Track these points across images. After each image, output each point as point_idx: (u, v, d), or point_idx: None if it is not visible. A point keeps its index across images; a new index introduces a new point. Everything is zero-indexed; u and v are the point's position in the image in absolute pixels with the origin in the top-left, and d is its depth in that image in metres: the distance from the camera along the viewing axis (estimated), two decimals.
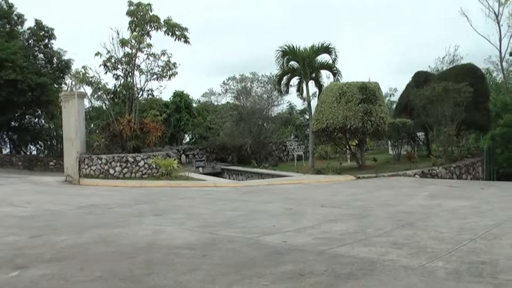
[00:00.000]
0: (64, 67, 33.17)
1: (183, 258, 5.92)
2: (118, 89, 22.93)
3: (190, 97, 36.11)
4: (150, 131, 22.00)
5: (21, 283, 4.91)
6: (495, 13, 34.49)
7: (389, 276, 4.95)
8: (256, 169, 25.94)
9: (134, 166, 20.27)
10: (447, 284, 4.63)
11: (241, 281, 4.88)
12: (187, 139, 38.81)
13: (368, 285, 4.64)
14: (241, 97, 33.23)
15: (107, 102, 23.67)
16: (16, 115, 32.49)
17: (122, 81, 22.54)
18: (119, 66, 22.38)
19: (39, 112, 33.38)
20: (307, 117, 30.72)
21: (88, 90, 22.34)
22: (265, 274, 5.11)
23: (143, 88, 22.89)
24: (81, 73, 21.06)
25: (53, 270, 5.37)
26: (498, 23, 34.13)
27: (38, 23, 32.96)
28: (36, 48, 33.23)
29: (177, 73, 22.90)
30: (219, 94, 37.80)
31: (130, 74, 22.40)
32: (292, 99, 51.29)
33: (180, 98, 34.58)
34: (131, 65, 22.25)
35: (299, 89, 25.70)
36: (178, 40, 22.59)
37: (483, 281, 4.68)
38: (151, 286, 4.73)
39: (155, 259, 5.91)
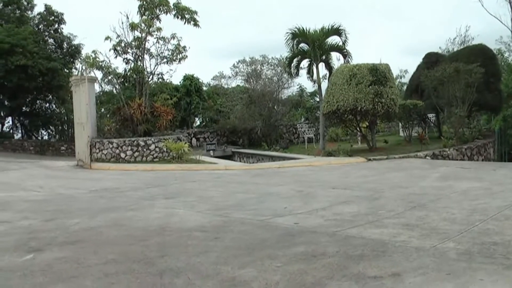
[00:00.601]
0: (74, 52, 33.19)
1: (195, 241, 5.96)
2: (128, 73, 22.90)
3: (200, 80, 36.06)
4: (161, 115, 22.02)
5: (35, 266, 4.96)
6: None
7: (401, 257, 4.96)
8: (267, 152, 25.97)
9: (145, 150, 20.32)
10: (459, 265, 4.63)
11: (253, 262, 4.91)
12: (198, 123, 38.79)
13: (379, 266, 4.65)
14: (251, 80, 33.09)
15: (117, 86, 23.66)
16: (27, 100, 32.58)
17: (132, 65, 22.50)
18: (129, 50, 22.34)
19: (50, 97, 33.48)
20: (318, 99, 30.57)
21: (98, 74, 22.29)
22: (277, 255, 5.14)
23: (153, 72, 22.85)
24: (91, 57, 21.05)
25: (67, 253, 5.43)
26: (510, 2, 33.56)
27: (47, 8, 32.92)
28: (46, 33, 33.22)
29: (187, 56, 22.85)
30: (229, 77, 37.57)
31: (140, 58, 22.36)
32: (303, 81, 50.96)
33: (190, 81, 34.52)
34: (141, 49, 22.21)
35: (309, 72, 25.61)
36: (187, 23, 22.50)
37: (495, 262, 4.68)
38: (164, 268, 4.77)
39: (167, 241, 5.96)
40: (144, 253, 5.39)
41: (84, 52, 31.67)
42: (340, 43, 24.23)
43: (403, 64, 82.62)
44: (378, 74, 19.97)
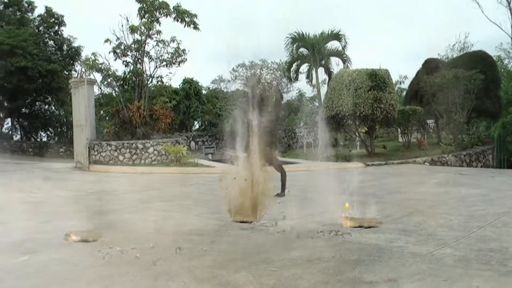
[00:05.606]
0: (74, 54, 33.14)
1: (191, 244, 5.93)
2: (128, 76, 22.92)
3: (199, 84, 36.03)
4: (160, 118, 22.03)
5: (30, 267, 4.95)
6: None
7: (397, 262, 4.94)
8: None
9: (143, 152, 20.31)
10: (455, 271, 4.61)
11: (248, 267, 4.89)
12: (197, 126, 38.75)
13: (375, 272, 4.63)
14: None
15: (116, 89, 23.68)
16: (27, 101, 32.48)
17: (131, 68, 22.53)
18: (128, 53, 22.35)
19: (50, 99, 33.39)
20: (317, 104, 30.64)
21: (97, 77, 22.34)
22: (272, 260, 5.12)
23: (152, 75, 22.87)
24: (90, 59, 21.07)
25: (62, 255, 5.41)
26: (510, 9, 33.67)
27: (48, 10, 32.88)
28: (46, 35, 33.19)
29: (186, 59, 22.87)
30: (229, 81, 37.67)
31: (139, 60, 22.37)
32: (302, 86, 51.04)
33: (190, 85, 34.45)
34: (140, 51, 22.22)
35: (309, 76, 25.72)
36: (187, 26, 22.51)
37: (492, 268, 4.67)
38: (159, 272, 4.76)
39: (163, 244, 5.93)
40: (139, 256, 5.37)
41: (83, 54, 31.75)
42: (340, 48, 24.35)
43: (403, 70, 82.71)
44: (378, 80, 20.01)
